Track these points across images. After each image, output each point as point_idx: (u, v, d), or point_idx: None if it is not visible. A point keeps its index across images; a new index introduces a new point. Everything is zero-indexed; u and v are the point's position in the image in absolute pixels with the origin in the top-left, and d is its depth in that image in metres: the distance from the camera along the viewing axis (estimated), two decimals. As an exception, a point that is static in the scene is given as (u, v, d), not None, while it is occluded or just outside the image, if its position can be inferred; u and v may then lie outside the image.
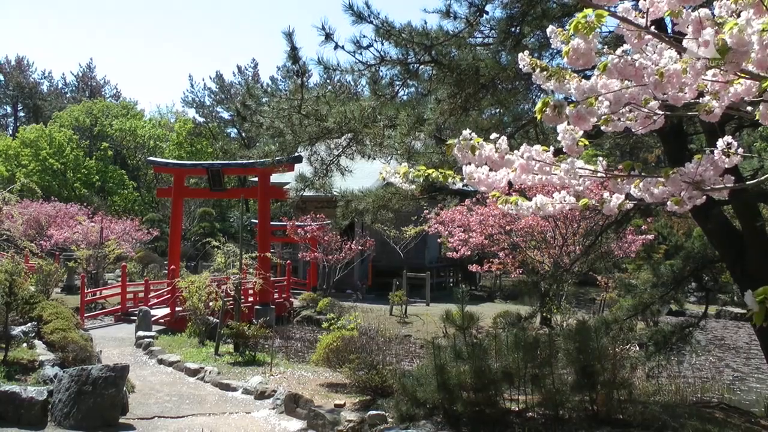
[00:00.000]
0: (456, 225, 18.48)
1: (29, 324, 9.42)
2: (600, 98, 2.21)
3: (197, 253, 32.00)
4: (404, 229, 22.49)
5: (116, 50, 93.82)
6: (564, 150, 2.40)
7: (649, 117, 2.31)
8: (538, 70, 2.29)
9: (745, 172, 9.41)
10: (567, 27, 2.17)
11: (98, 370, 7.46)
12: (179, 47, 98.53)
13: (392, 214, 8.11)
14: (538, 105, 2.23)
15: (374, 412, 7.05)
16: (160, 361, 11.11)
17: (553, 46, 2.42)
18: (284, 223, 23.95)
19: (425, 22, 6.53)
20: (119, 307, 16.90)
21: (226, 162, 25.91)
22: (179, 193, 21.84)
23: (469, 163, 2.51)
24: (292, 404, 8.05)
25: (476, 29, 6.70)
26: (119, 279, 19.17)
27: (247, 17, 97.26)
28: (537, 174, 2.47)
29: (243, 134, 45.40)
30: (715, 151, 2.40)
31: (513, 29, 6.29)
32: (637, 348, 9.83)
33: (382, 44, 6.54)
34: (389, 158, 7.54)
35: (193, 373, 10.18)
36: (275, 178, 20.31)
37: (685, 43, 2.00)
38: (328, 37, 6.38)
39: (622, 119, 2.33)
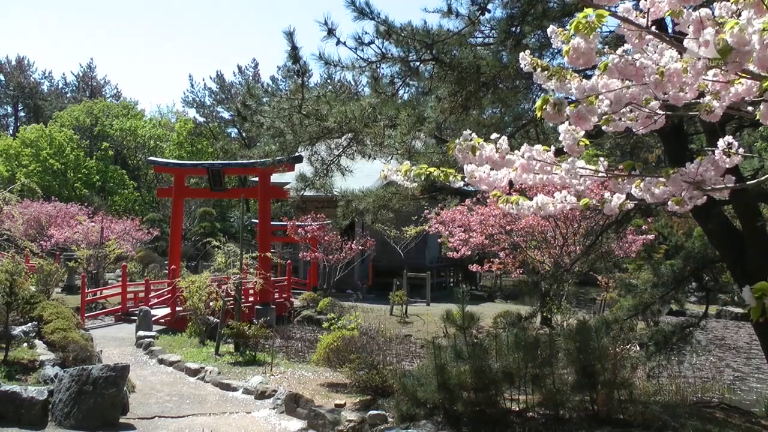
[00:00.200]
0: (456, 225, 18.48)
1: (30, 324, 9.42)
2: (600, 97, 2.21)
3: (198, 252, 32.01)
4: (405, 229, 22.50)
5: (116, 50, 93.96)
6: (565, 150, 2.40)
7: (650, 117, 2.31)
8: (539, 69, 2.29)
9: (745, 172, 9.41)
10: (567, 27, 2.17)
11: (99, 369, 7.46)
12: (179, 47, 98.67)
13: (393, 214, 8.12)
14: (539, 102, 2.23)
15: (375, 411, 7.05)
16: (161, 361, 11.11)
17: (553, 46, 2.42)
18: (285, 223, 23.96)
19: (425, 22, 6.53)
20: (120, 306, 16.90)
21: (227, 162, 25.91)
22: (180, 193, 21.84)
23: (470, 163, 2.51)
24: (293, 404, 8.04)
25: (477, 28, 6.69)
26: (120, 279, 19.17)
27: (247, 17, 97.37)
28: (538, 174, 2.47)
29: (243, 134, 45.42)
30: (716, 151, 2.40)
31: (513, 29, 6.28)
32: (638, 348, 9.83)
33: (383, 42, 6.54)
34: (390, 158, 7.54)
35: (193, 372, 10.18)
36: (276, 178, 20.31)
37: (685, 43, 2.00)
38: (330, 32, 6.37)
39: (623, 119, 2.33)
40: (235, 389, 9.22)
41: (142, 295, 17.89)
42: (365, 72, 6.87)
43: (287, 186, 9.89)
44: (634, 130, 2.39)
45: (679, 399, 9.31)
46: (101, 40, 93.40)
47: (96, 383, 7.28)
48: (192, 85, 64.30)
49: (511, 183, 2.61)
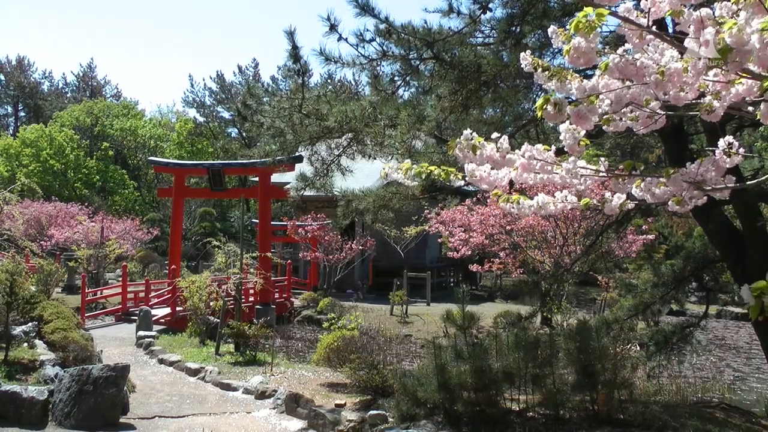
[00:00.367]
0: (457, 225, 18.47)
1: (30, 324, 9.42)
2: (601, 97, 2.21)
3: (198, 252, 32.01)
4: (405, 228, 22.51)
5: (116, 50, 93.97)
6: (565, 149, 2.40)
7: (651, 116, 2.31)
8: (539, 69, 2.29)
9: (745, 172, 9.41)
10: (568, 26, 2.17)
11: (99, 369, 7.46)
12: (179, 47, 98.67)
13: (393, 213, 8.11)
14: (539, 102, 2.23)
15: (375, 411, 7.05)
16: (161, 361, 11.11)
17: (554, 46, 2.42)
18: (285, 223, 23.96)
19: (425, 21, 6.53)
20: (120, 306, 16.90)
21: (227, 162, 25.91)
22: (180, 193, 21.84)
23: (471, 162, 2.51)
24: (293, 404, 8.04)
25: (478, 27, 6.69)
26: (120, 279, 19.18)
27: (247, 17, 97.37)
28: (538, 173, 2.47)
29: (244, 134, 45.44)
30: (717, 151, 2.40)
31: (513, 28, 6.28)
32: (638, 348, 9.83)
33: (384, 40, 6.53)
34: (390, 158, 7.53)
35: (193, 372, 10.19)
36: (276, 177, 20.31)
37: (686, 42, 1.99)
38: (333, 27, 6.37)
39: (623, 119, 2.33)
40: (235, 389, 9.22)
41: (142, 295, 17.89)
42: (366, 69, 6.87)
43: (287, 186, 9.88)
44: (634, 130, 2.39)
45: (680, 399, 9.31)
46: (101, 40, 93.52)
47: (96, 383, 7.28)
48: (192, 85, 64.41)
49: (511, 183, 2.60)
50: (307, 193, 8.81)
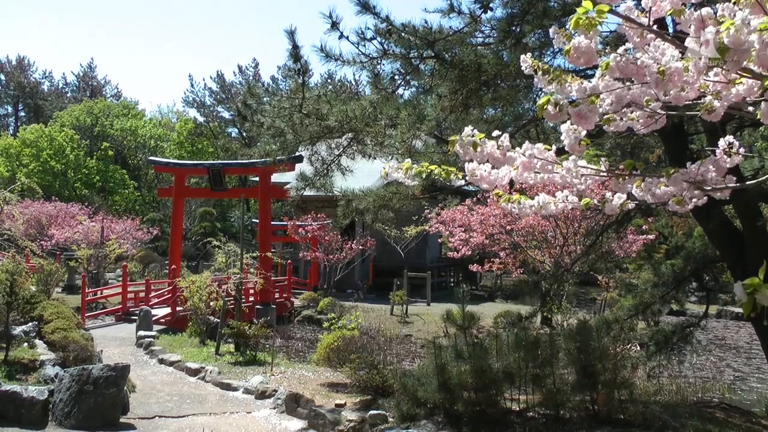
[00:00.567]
0: (457, 225, 18.47)
1: (30, 324, 9.42)
2: (602, 96, 2.21)
3: (198, 252, 32.02)
4: (405, 228, 22.51)
5: (117, 50, 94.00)
6: (566, 149, 2.40)
7: (651, 116, 2.30)
8: (540, 72, 2.29)
9: (745, 172, 9.40)
10: (568, 25, 2.16)
11: (99, 369, 7.46)
12: (179, 47, 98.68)
13: (393, 213, 8.10)
14: (540, 102, 2.23)
15: (375, 411, 7.05)
16: (161, 361, 11.11)
17: (555, 47, 2.42)
18: (285, 223, 23.97)
19: (426, 21, 6.53)
20: (120, 306, 16.90)
21: (227, 162, 25.91)
22: (180, 193, 21.84)
23: (471, 161, 2.51)
24: (293, 404, 8.04)
25: (478, 26, 6.69)
26: (120, 279, 19.19)
27: (247, 17, 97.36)
28: (539, 172, 2.47)
29: (244, 134, 45.45)
30: (717, 151, 2.40)
31: (514, 28, 6.28)
32: (638, 348, 9.82)
33: (385, 39, 6.53)
34: (390, 158, 7.53)
35: (193, 372, 10.19)
36: (276, 177, 20.32)
37: (686, 42, 1.99)
38: (334, 25, 6.36)
39: (624, 119, 2.33)
40: (235, 389, 9.22)
41: (142, 294, 17.89)
42: (366, 68, 6.87)
43: (288, 186, 9.87)
44: (634, 129, 2.39)
45: (680, 399, 9.31)
46: (101, 40, 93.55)
47: (96, 383, 7.28)
48: (192, 85, 64.51)
49: (511, 183, 2.60)
50: (308, 192, 8.81)
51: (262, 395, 8.77)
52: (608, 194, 2.70)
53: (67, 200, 32.94)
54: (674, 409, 6.95)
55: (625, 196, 2.62)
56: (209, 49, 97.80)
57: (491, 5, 6.50)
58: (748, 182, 2.94)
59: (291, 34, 6.74)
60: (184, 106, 55.29)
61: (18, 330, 8.94)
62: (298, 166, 13.84)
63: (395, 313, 19.98)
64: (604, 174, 2.53)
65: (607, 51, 2.19)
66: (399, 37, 6.42)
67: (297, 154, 10.09)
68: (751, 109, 2.23)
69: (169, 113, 60.88)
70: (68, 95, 62.52)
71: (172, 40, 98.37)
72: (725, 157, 2.38)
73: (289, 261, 23.28)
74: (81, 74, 63.67)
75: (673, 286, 9.60)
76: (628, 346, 7.74)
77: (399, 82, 6.94)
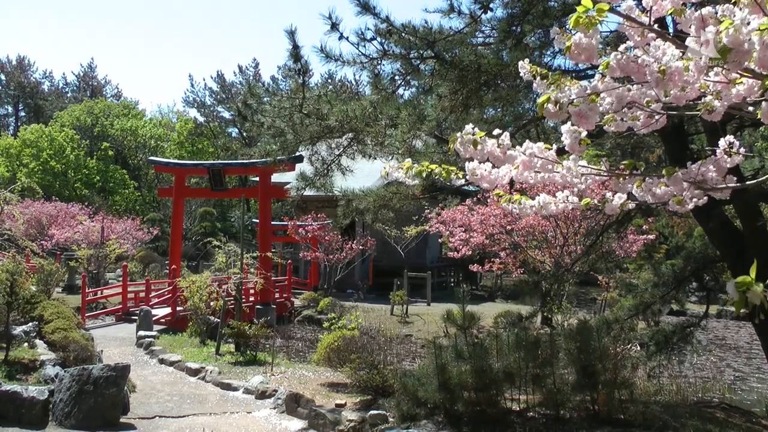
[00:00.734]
0: (457, 225, 18.47)
1: (30, 323, 9.42)
2: (602, 95, 2.21)
3: (198, 252, 32.02)
4: (405, 228, 22.51)
5: (117, 50, 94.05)
6: (566, 149, 2.40)
7: (651, 116, 2.30)
8: (538, 78, 2.29)
9: (746, 172, 9.40)
10: (568, 25, 2.16)
11: (99, 369, 7.46)
12: (179, 47, 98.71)
13: (393, 213, 8.10)
14: (540, 100, 2.23)
15: (375, 411, 7.05)
16: (161, 361, 11.11)
17: (556, 47, 2.41)
18: (285, 223, 23.97)
19: (426, 21, 6.53)
20: (120, 306, 16.90)
21: (227, 162, 25.92)
22: (180, 193, 21.85)
23: (472, 159, 2.51)
24: (293, 404, 8.04)
25: (479, 27, 6.68)
26: (120, 279, 19.19)
27: (247, 17, 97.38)
28: (539, 172, 2.47)
29: (244, 134, 45.46)
30: (717, 151, 2.40)
31: (514, 28, 6.27)
32: (638, 348, 9.82)
33: (385, 40, 6.53)
34: (390, 158, 7.53)
35: (194, 372, 10.18)
36: (276, 177, 20.33)
37: (687, 42, 1.99)
38: (334, 26, 6.36)
39: (624, 119, 2.33)
40: (235, 389, 9.22)
41: (142, 294, 17.89)
42: (366, 68, 6.86)
43: (288, 185, 9.87)
44: (635, 130, 2.39)
45: (680, 399, 9.31)
46: (101, 40, 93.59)
47: (96, 383, 7.28)
48: (192, 85, 64.57)
49: (512, 183, 2.60)
50: (308, 192, 8.81)
51: (262, 395, 8.77)
52: (608, 194, 2.70)
53: (68, 200, 32.95)
54: (674, 409, 6.96)
55: (625, 196, 2.62)
56: (209, 49, 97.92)
57: (491, 5, 6.50)
58: (748, 182, 2.94)
59: (291, 34, 6.74)
60: (184, 106, 55.38)
61: (18, 330, 8.95)
62: (298, 166, 13.84)
63: (395, 313, 19.98)
64: (605, 174, 2.53)
65: (607, 51, 2.19)
66: (399, 37, 6.42)
67: (297, 154, 10.10)
68: (751, 109, 2.23)
69: (170, 113, 60.94)
70: (68, 95, 62.53)
71: (172, 40, 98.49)
72: (725, 157, 2.38)
73: (289, 261, 23.28)
74: (81, 74, 63.71)
75: (674, 286, 9.60)
76: (629, 346, 7.74)
77: (399, 82, 6.94)
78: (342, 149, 8.21)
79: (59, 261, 21.07)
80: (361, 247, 21.85)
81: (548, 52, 6.62)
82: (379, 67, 6.86)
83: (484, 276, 27.33)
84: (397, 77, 6.90)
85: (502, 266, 17.93)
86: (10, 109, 62.31)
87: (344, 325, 11.49)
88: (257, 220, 23.59)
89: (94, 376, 7.32)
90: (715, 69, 2.06)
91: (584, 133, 2.34)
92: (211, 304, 13.25)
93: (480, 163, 2.53)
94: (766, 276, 1.95)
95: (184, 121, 50.49)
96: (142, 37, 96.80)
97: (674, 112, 2.33)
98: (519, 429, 6.30)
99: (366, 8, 6.30)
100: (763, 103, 2.08)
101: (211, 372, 9.95)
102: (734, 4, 1.91)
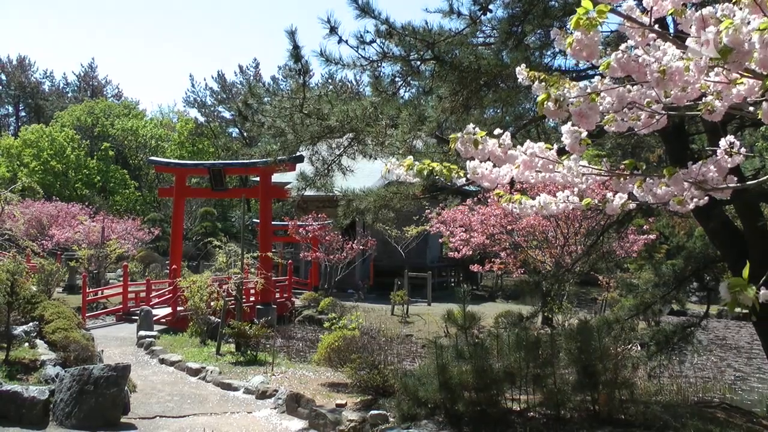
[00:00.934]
0: (457, 225, 18.47)
1: (31, 323, 9.43)
2: (602, 95, 2.21)
3: (199, 252, 32.03)
4: (406, 228, 22.50)
5: (117, 50, 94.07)
6: (567, 149, 2.40)
7: (652, 116, 2.30)
8: (537, 81, 2.29)
9: (746, 172, 9.40)
10: (568, 25, 2.16)
11: (100, 369, 7.47)
12: (180, 47, 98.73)
13: (393, 213, 8.10)
14: (540, 98, 2.23)
15: (376, 411, 7.05)
16: (162, 361, 11.12)
17: (556, 48, 2.41)
18: (286, 223, 23.98)
19: (426, 22, 6.53)
20: (121, 306, 16.91)
21: (228, 162, 25.93)
22: (181, 193, 21.85)
23: (473, 159, 2.51)
24: (294, 404, 8.05)
25: (479, 27, 6.68)
26: (121, 278, 19.19)
27: (247, 17, 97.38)
28: (540, 171, 2.47)
29: (244, 134, 45.47)
30: (718, 151, 2.40)
31: (515, 28, 6.27)
32: (639, 348, 9.82)
33: (385, 42, 6.53)
34: (391, 157, 7.52)
35: (194, 372, 10.19)
36: (277, 177, 20.34)
37: (687, 42, 1.99)
38: (333, 30, 6.36)
39: (625, 119, 2.33)
40: (236, 389, 9.23)
41: (143, 294, 17.89)
42: (366, 71, 6.87)
43: (288, 186, 9.88)
44: (635, 130, 2.38)
45: (681, 399, 9.32)
46: (102, 40, 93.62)
47: (97, 383, 7.28)
48: (193, 85, 64.54)
49: (512, 183, 2.60)
50: (308, 192, 8.81)
51: (262, 395, 8.77)
52: (609, 194, 2.70)
53: (68, 200, 32.96)
54: (675, 409, 6.95)
55: (626, 196, 2.62)
56: (210, 49, 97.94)
57: (490, 7, 6.50)
58: (749, 182, 2.93)
59: (292, 34, 6.74)
60: (184, 106, 55.31)
61: (19, 330, 8.95)
62: (298, 166, 13.84)
63: (396, 313, 19.98)
64: (605, 174, 2.52)
65: (608, 51, 2.19)
66: (399, 38, 6.41)
67: (298, 154, 10.09)
68: (751, 109, 2.23)
69: (170, 113, 60.93)
70: (69, 95, 62.53)
71: (173, 40, 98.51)
72: (726, 157, 2.37)
73: (289, 261, 23.29)
74: (82, 74, 63.72)
75: (674, 286, 9.60)
76: (629, 346, 7.74)
77: (399, 83, 6.94)
78: (342, 149, 8.21)
79: (60, 261, 21.09)
80: (361, 247, 21.85)
81: (548, 53, 6.62)
82: (379, 69, 6.87)
83: (484, 276, 27.33)
84: (397, 79, 6.91)
85: (503, 266, 17.93)
86: (10, 109, 62.31)
87: (345, 325, 11.49)
88: (258, 220, 23.59)
89: (95, 376, 7.33)
90: (716, 69, 2.06)
91: (585, 133, 2.34)
92: (212, 304, 13.26)
93: (481, 161, 2.53)
94: (752, 275, 1.95)
95: (185, 121, 50.48)
96: (142, 37, 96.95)
97: (675, 112, 2.33)
98: (519, 429, 6.30)
99: (365, 11, 6.30)
100: (764, 103, 2.08)
101: (211, 372, 9.96)
102: (735, 3, 1.91)
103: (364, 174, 10.12)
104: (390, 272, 23.54)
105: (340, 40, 6.46)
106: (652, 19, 2.09)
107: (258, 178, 21.84)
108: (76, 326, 9.81)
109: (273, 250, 21.71)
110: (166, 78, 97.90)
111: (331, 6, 6.73)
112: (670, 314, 17.05)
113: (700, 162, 2.44)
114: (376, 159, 8.12)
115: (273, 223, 24.08)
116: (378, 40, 6.53)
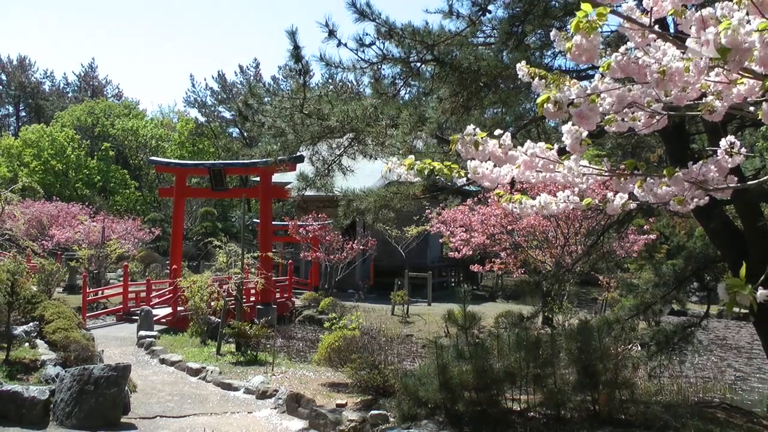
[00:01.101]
0: (458, 225, 18.47)
1: (31, 323, 9.43)
2: (603, 95, 2.21)
3: (199, 252, 32.03)
4: (406, 228, 22.51)
5: (117, 50, 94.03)
6: (567, 149, 2.40)
7: (652, 117, 2.30)
8: (537, 78, 2.29)
9: (747, 172, 9.40)
10: (568, 26, 2.16)
11: (100, 369, 7.47)
12: (180, 47, 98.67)
13: (394, 213, 8.10)
14: (540, 99, 2.23)
15: (376, 411, 7.06)
16: (162, 361, 11.12)
17: (556, 48, 2.41)
18: (286, 223, 23.98)
19: (426, 23, 6.53)
20: (121, 306, 16.92)
21: (228, 162, 25.93)
22: (181, 193, 21.86)
23: (473, 158, 2.51)
24: (294, 404, 8.05)
25: (478, 28, 6.69)
26: (121, 278, 19.19)
27: (247, 17, 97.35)
28: (541, 171, 2.47)
29: (245, 134, 45.47)
30: (719, 151, 2.40)
31: (515, 29, 6.27)
32: (639, 348, 9.82)
33: (384, 43, 6.54)
34: (391, 157, 7.52)
35: (194, 372, 10.19)
36: (277, 177, 20.34)
37: (687, 43, 1.99)
38: (332, 33, 6.37)
39: (625, 119, 2.33)
40: (236, 389, 9.23)
41: (143, 294, 17.89)
42: (366, 73, 6.87)
43: (288, 186, 9.89)
44: (636, 130, 2.39)
45: (681, 399, 9.31)
46: (102, 40, 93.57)
47: (97, 383, 7.29)
48: (193, 85, 64.60)
49: (512, 183, 2.60)
50: (308, 192, 8.81)
51: (263, 395, 8.78)
52: (610, 194, 2.70)
53: (68, 200, 32.95)
54: (675, 409, 6.95)
55: (626, 196, 2.62)
56: (210, 49, 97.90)
57: (489, 8, 6.50)
58: (749, 182, 2.94)
59: (292, 34, 6.74)
60: (185, 106, 55.28)
61: (19, 330, 8.95)
62: (299, 166, 13.84)
63: (396, 313, 19.98)
64: (606, 174, 2.52)
65: (607, 52, 2.19)
66: (399, 40, 6.42)
67: (298, 154, 10.10)
68: (752, 109, 2.23)
69: (170, 113, 60.88)
70: (69, 95, 62.53)
71: (173, 40, 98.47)
72: (727, 157, 2.37)
73: (290, 261, 23.29)
74: (82, 74, 63.72)
75: (674, 286, 9.60)
76: (629, 346, 7.74)
77: (400, 85, 6.95)
78: (343, 149, 8.22)
79: (60, 261, 21.10)
80: (361, 247, 21.85)
81: (549, 53, 6.62)
82: (379, 71, 6.87)
83: (484, 276, 27.33)
84: (397, 80, 6.91)
85: (503, 266, 17.93)
86: (11, 109, 62.31)
87: (345, 325, 11.49)
88: (258, 220, 23.60)
89: (95, 376, 7.33)
90: (716, 69, 2.06)
91: (585, 134, 2.34)
92: (212, 304, 13.26)
93: (482, 161, 2.53)
94: (749, 275, 1.96)
95: (185, 121, 50.48)
96: (142, 37, 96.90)
97: (675, 113, 2.33)
98: (520, 429, 6.30)
99: (363, 14, 6.30)
100: (764, 103, 2.08)
101: (211, 372, 9.96)
102: (736, 3, 1.92)
103: (364, 174, 10.12)
104: (390, 272, 23.55)
105: (339, 44, 6.47)
106: (652, 20, 2.09)
107: (258, 178, 21.84)
108: (76, 326, 9.81)
109: (273, 250, 21.71)
110: (166, 78, 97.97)
111: (331, 7, 6.73)
112: (671, 314, 17.05)
113: (700, 162, 2.44)
114: (376, 159, 8.12)
115: (273, 223, 24.09)
116: (377, 42, 6.53)
